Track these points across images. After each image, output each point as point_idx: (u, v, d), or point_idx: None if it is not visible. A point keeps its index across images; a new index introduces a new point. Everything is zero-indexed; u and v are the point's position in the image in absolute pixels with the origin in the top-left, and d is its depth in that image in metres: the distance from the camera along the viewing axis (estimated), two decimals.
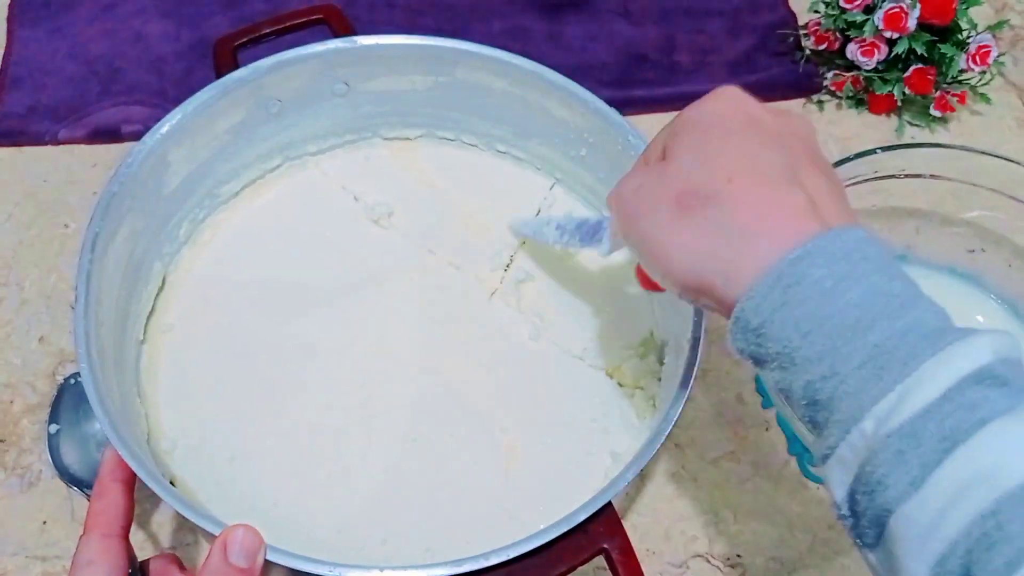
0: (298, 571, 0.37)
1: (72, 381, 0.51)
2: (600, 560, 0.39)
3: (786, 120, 0.35)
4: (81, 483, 0.49)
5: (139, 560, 0.39)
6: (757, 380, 0.55)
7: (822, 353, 0.29)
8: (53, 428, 0.50)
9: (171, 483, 0.45)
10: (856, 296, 0.29)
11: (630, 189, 0.35)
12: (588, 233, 0.46)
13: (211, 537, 0.36)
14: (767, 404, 0.56)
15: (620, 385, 0.50)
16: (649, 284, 0.40)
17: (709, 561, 0.51)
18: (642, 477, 0.53)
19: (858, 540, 0.30)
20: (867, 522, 0.29)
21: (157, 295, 0.52)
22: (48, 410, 0.53)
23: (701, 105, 0.35)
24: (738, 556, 0.51)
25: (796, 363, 0.30)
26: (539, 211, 0.56)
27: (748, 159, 0.32)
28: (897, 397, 0.28)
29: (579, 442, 0.48)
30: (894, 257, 0.31)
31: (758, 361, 0.32)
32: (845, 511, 0.30)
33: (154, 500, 0.51)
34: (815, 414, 0.30)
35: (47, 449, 0.50)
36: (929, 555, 0.27)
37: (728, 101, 0.35)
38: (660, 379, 0.50)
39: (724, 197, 0.32)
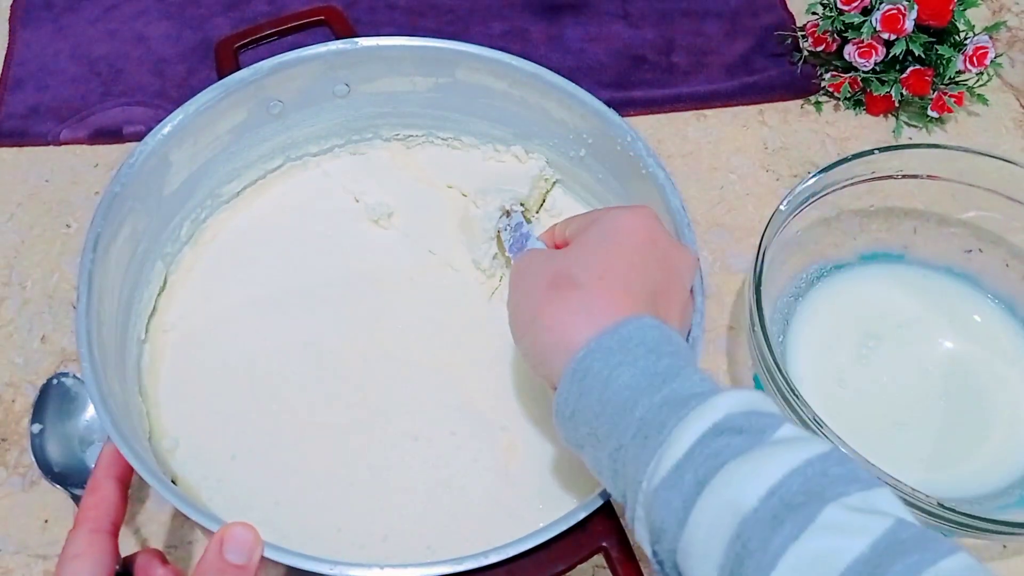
0: (299, 569, 0.37)
1: (55, 382, 0.51)
2: (599, 558, 0.39)
3: (677, 253, 0.42)
4: (65, 481, 0.49)
5: (123, 556, 0.39)
6: (755, 380, 0.55)
7: (610, 431, 0.35)
8: (36, 428, 0.50)
9: (172, 482, 0.45)
10: (626, 379, 0.35)
11: (524, 261, 0.42)
12: (517, 242, 0.51)
13: (211, 535, 0.36)
14: None
15: None
16: None
17: None
18: None
19: None
20: (669, 568, 0.34)
21: (159, 295, 0.52)
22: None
23: (618, 214, 0.42)
24: None
25: (599, 440, 0.36)
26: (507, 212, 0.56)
27: (626, 265, 0.39)
28: (658, 458, 0.33)
29: None
30: (674, 336, 0.37)
31: (579, 447, 0.37)
32: (655, 565, 0.34)
33: (153, 499, 0.51)
34: (620, 485, 0.35)
35: (30, 449, 0.50)
36: None
37: (643, 219, 0.41)
38: None
39: (590, 288, 0.38)
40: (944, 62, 0.67)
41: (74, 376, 0.52)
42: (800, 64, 0.73)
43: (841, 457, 0.32)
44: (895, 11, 0.65)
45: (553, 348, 0.37)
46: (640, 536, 0.35)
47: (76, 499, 0.47)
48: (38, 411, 0.51)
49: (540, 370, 0.39)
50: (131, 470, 0.40)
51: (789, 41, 0.74)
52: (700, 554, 0.32)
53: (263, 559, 0.36)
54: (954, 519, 0.44)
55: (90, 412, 0.51)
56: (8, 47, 0.72)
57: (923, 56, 0.67)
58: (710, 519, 0.31)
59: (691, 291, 0.43)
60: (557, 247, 0.46)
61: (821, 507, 0.30)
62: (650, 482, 0.33)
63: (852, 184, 0.56)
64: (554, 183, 0.58)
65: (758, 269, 0.51)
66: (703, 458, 0.32)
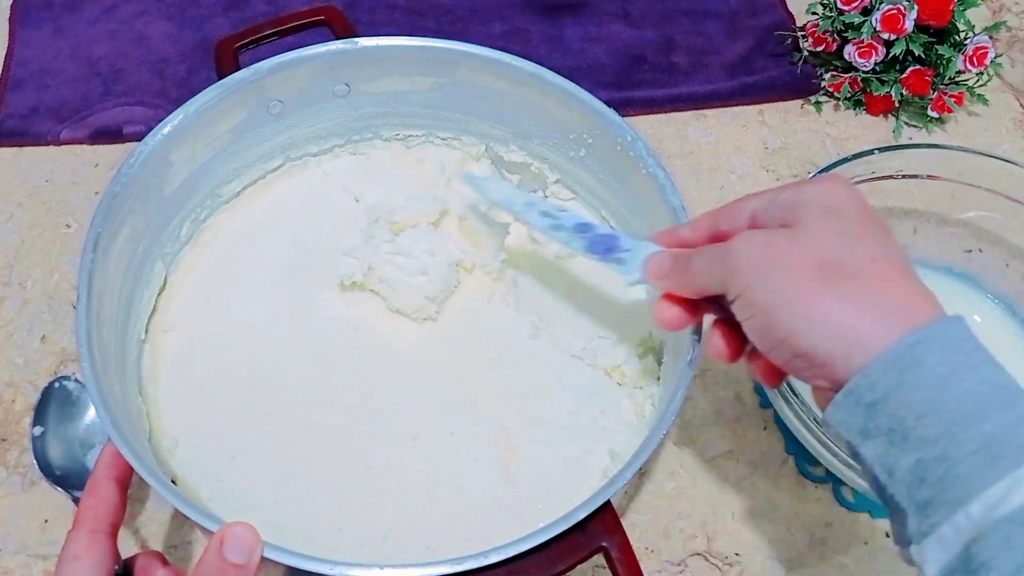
0: (299, 569, 0.37)
1: (57, 385, 0.52)
2: (599, 558, 0.39)
3: (880, 217, 0.37)
4: (66, 484, 0.49)
5: (123, 558, 0.39)
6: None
7: (937, 435, 0.31)
8: (38, 430, 0.50)
9: (172, 481, 0.45)
10: (971, 385, 0.31)
11: (757, 244, 0.36)
12: (598, 244, 0.44)
13: (211, 535, 0.36)
14: (765, 403, 0.56)
15: (619, 384, 0.51)
16: (768, 376, 0.39)
17: (708, 559, 0.51)
18: (641, 476, 0.53)
19: None
20: None
21: (159, 295, 0.52)
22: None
23: (820, 185, 0.37)
24: (736, 555, 0.51)
25: (908, 441, 0.31)
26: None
27: (883, 247, 0.35)
28: (1008, 485, 0.29)
29: (578, 441, 0.48)
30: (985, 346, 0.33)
31: (862, 433, 0.33)
32: None
33: (153, 499, 0.51)
34: (916, 491, 0.31)
35: (31, 451, 0.50)
36: None
37: (847, 188, 0.37)
38: (659, 378, 0.50)
39: (869, 275, 0.34)
40: (944, 62, 0.67)
41: (75, 379, 0.52)
42: (800, 64, 0.73)
43: None
44: (895, 11, 0.65)
45: (838, 342, 0.33)
46: (928, 556, 0.31)
47: (77, 501, 0.48)
48: (39, 414, 0.51)
49: (812, 370, 0.34)
50: (131, 471, 0.40)
51: (789, 41, 0.74)
52: None
53: (263, 559, 0.36)
54: None
55: (91, 415, 0.51)
56: (8, 47, 0.72)
57: (923, 56, 0.67)
58: None
59: None
60: (684, 245, 0.41)
61: None
62: (990, 510, 0.29)
63: (852, 184, 0.56)
64: (551, 184, 0.58)
65: None
66: None
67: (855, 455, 0.34)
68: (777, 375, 0.39)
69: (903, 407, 0.31)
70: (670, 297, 0.41)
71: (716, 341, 0.40)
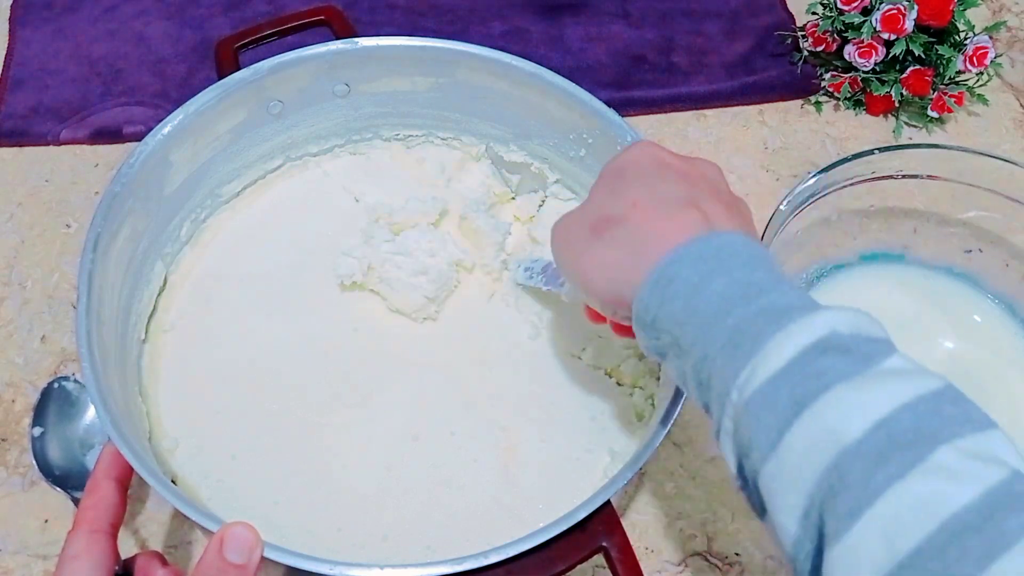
0: (299, 569, 0.37)
1: (56, 385, 0.52)
2: (599, 558, 0.39)
3: (694, 163, 0.40)
4: (65, 484, 0.49)
5: (123, 558, 0.39)
6: None
7: (695, 339, 0.34)
8: (37, 431, 0.50)
9: (172, 481, 0.45)
10: (719, 287, 0.33)
11: (558, 227, 0.41)
12: (552, 276, 0.49)
13: (211, 535, 0.36)
14: None
15: (619, 384, 0.51)
16: (595, 317, 0.45)
17: (707, 559, 0.51)
18: (641, 475, 0.53)
19: (754, 509, 0.33)
20: (752, 488, 0.32)
21: (159, 295, 0.52)
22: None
23: (618, 156, 0.40)
24: (736, 554, 0.51)
25: (683, 349, 0.34)
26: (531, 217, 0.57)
27: (650, 190, 0.38)
28: (751, 369, 0.31)
29: (578, 440, 0.48)
30: (768, 255, 0.35)
31: (661, 355, 0.36)
32: (739, 482, 0.33)
33: (153, 499, 0.51)
34: (705, 396, 0.34)
35: (31, 451, 0.50)
36: (794, 509, 0.30)
37: (642, 149, 0.40)
38: (659, 378, 0.50)
39: (628, 217, 0.37)
40: (944, 62, 0.67)
41: (75, 380, 0.52)
42: (800, 64, 0.73)
43: (956, 395, 0.30)
44: (895, 11, 0.65)
45: (616, 283, 0.37)
46: (725, 450, 0.33)
47: (76, 502, 0.48)
48: (39, 414, 0.51)
49: (618, 312, 0.38)
50: (131, 471, 0.40)
51: (789, 41, 0.74)
52: (790, 479, 0.30)
53: (263, 559, 0.36)
54: None
55: (90, 416, 0.51)
56: (8, 47, 0.72)
57: (923, 56, 0.67)
58: (806, 444, 0.30)
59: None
60: None
61: (932, 448, 0.28)
62: (741, 394, 0.31)
63: (852, 184, 0.56)
64: (551, 184, 0.58)
65: None
66: (803, 376, 0.30)
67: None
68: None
69: (669, 320, 0.34)
70: None
71: (587, 313, 0.45)
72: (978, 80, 0.69)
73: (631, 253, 0.36)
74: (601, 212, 0.38)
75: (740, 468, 0.33)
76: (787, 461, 0.30)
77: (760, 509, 0.33)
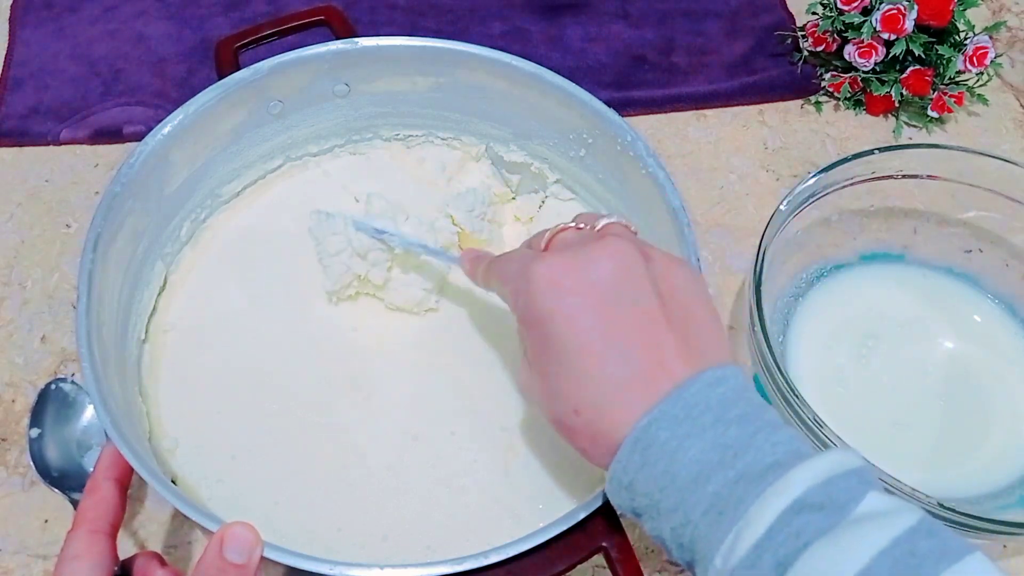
0: (299, 569, 0.37)
1: (54, 387, 0.52)
2: (599, 558, 0.39)
3: (628, 279, 0.36)
4: (63, 485, 0.49)
5: (121, 559, 0.39)
6: (755, 379, 0.55)
7: (676, 504, 0.34)
8: (35, 432, 0.50)
9: (172, 481, 0.45)
10: (696, 453, 0.33)
11: (525, 387, 0.39)
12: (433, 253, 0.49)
13: (211, 535, 0.36)
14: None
15: None
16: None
17: None
18: None
19: None
20: None
21: (159, 295, 0.52)
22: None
23: (539, 307, 0.36)
24: None
25: (661, 513, 0.34)
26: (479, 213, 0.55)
27: (586, 376, 0.35)
28: (734, 536, 0.32)
29: None
30: (740, 392, 0.35)
31: (636, 514, 0.36)
32: None
33: (152, 500, 0.51)
34: (687, 556, 0.34)
35: (28, 452, 0.50)
36: None
37: (572, 305, 0.36)
38: None
39: (580, 429, 0.36)
40: (944, 62, 0.67)
41: (72, 381, 0.52)
42: (800, 64, 0.73)
43: (930, 528, 0.31)
44: (895, 11, 0.65)
45: (596, 442, 0.36)
46: None
47: (75, 503, 0.48)
48: (36, 416, 0.51)
49: (589, 453, 0.37)
50: (130, 472, 0.40)
51: (789, 41, 0.74)
52: None
53: (263, 559, 0.36)
54: (954, 519, 0.44)
55: (88, 416, 0.51)
56: (8, 47, 0.72)
57: (923, 56, 0.67)
58: None
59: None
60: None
61: None
62: (726, 561, 0.32)
63: (852, 184, 0.56)
64: (551, 184, 0.58)
65: (758, 269, 0.51)
66: (783, 537, 0.31)
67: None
68: None
69: (649, 484, 0.34)
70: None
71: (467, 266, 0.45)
72: (978, 80, 0.69)
73: (594, 436, 0.36)
74: (548, 409, 0.37)
75: None
76: None
77: None
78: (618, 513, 0.37)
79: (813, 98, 0.72)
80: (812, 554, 0.30)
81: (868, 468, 0.33)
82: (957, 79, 0.69)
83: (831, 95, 0.72)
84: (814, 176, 0.54)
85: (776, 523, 0.31)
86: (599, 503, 0.38)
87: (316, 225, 0.52)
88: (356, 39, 0.53)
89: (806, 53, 0.72)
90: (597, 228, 0.39)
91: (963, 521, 0.44)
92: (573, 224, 0.40)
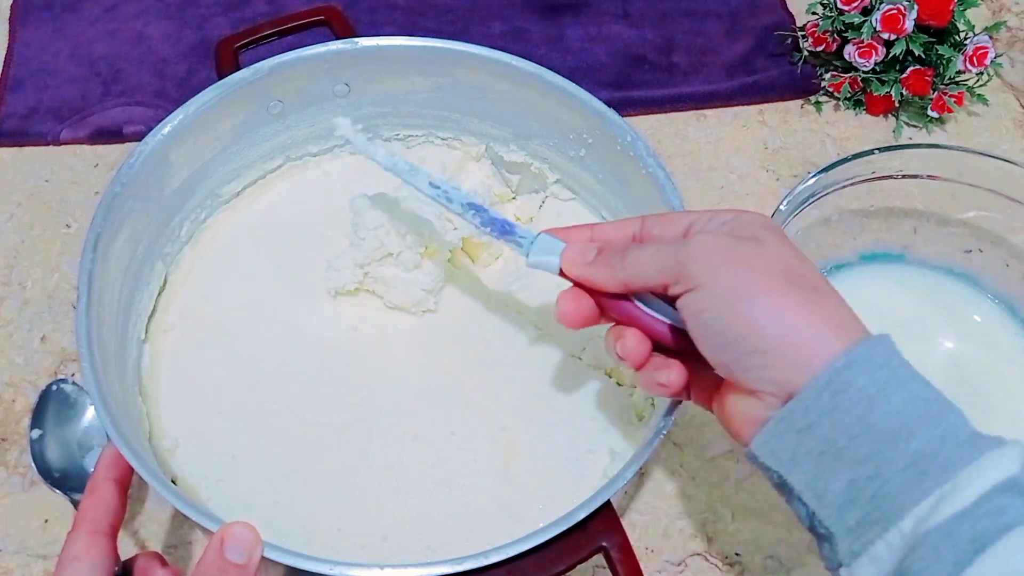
0: (299, 569, 0.37)
1: (55, 388, 0.52)
2: (599, 558, 0.39)
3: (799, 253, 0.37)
4: (64, 486, 0.49)
5: (122, 559, 0.39)
6: None
7: (868, 455, 0.32)
8: (36, 433, 0.50)
9: (172, 481, 0.45)
10: (898, 403, 0.32)
11: (722, 244, 0.36)
12: (493, 225, 0.42)
13: (211, 535, 0.36)
14: None
15: (619, 384, 0.51)
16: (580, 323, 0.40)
17: (708, 559, 0.51)
18: (641, 475, 0.53)
19: None
20: None
21: (159, 295, 0.52)
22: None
23: (753, 214, 0.38)
24: (736, 554, 0.51)
25: (841, 462, 0.32)
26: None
27: (814, 272, 0.36)
28: (936, 500, 0.30)
29: (578, 440, 0.48)
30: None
31: (792, 460, 0.33)
32: None
33: (153, 500, 0.51)
34: (847, 513, 0.32)
35: (28, 453, 0.50)
36: None
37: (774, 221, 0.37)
38: None
39: (825, 291, 0.35)
40: (944, 62, 0.67)
41: (73, 382, 0.52)
42: (800, 64, 0.73)
43: None
44: (895, 11, 0.65)
45: (797, 343, 0.33)
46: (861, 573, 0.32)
47: (76, 504, 0.48)
48: (37, 416, 0.51)
49: (762, 371, 0.34)
50: (131, 472, 0.40)
51: (789, 41, 0.74)
52: None
53: (263, 559, 0.36)
54: None
55: (88, 417, 0.51)
56: (8, 47, 0.72)
57: (923, 56, 0.67)
58: None
59: None
60: (603, 240, 0.40)
61: None
62: (920, 523, 0.30)
63: (852, 184, 0.56)
64: (552, 184, 0.58)
65: None
66: (987, 514, 0.29)
67: (781, 484, 0.34)
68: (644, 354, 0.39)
69: (836, 429, 0.32)
70: (582, 289, 0.39)
71: (576, 304, 0.39)
72: (978, 80, 0.69)
73: (830, 327, 0.33)
74: (794, 266, 0.35)
75: None
76: None
77: None
78: (754, 458, 0.35)
79: (813, 98, 0.72)
80: (1015, 537, 0.29)
81: None
82: (957, 79, 0.68)
83: (831, 95, 0.72)
84: (814, 176, 0.54)
85: (986, 495, 0.30)
86: (599, 503, 0.39)
87: (360, 199, 0.51)
88: (356, 39, 0.53)
89: (806, 53, 0.72)
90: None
91: None
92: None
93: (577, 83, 0.52)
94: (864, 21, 0.66)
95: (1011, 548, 0.29)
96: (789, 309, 0.33)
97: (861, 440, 0.32)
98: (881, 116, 0.71)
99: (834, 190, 0.56)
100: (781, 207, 0.53)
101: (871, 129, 0.70)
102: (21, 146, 0.67)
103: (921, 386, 0.32)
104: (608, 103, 0.51)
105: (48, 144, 0.67)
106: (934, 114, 0.69)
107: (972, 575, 0.29)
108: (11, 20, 0.74)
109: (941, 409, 0.32)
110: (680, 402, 0.42)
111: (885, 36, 0.66)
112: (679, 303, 0.36)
